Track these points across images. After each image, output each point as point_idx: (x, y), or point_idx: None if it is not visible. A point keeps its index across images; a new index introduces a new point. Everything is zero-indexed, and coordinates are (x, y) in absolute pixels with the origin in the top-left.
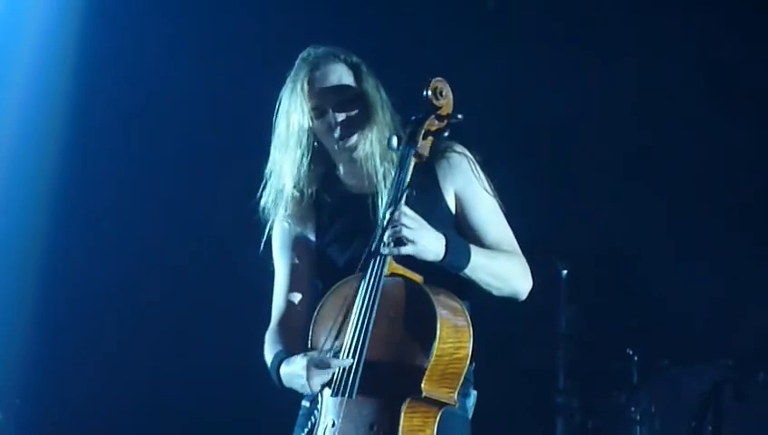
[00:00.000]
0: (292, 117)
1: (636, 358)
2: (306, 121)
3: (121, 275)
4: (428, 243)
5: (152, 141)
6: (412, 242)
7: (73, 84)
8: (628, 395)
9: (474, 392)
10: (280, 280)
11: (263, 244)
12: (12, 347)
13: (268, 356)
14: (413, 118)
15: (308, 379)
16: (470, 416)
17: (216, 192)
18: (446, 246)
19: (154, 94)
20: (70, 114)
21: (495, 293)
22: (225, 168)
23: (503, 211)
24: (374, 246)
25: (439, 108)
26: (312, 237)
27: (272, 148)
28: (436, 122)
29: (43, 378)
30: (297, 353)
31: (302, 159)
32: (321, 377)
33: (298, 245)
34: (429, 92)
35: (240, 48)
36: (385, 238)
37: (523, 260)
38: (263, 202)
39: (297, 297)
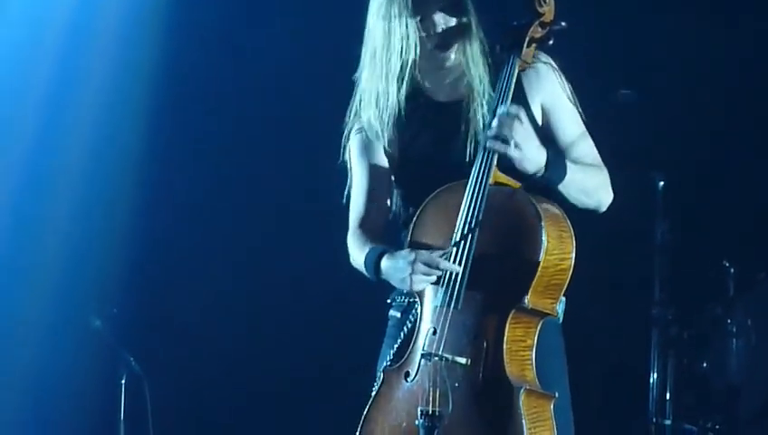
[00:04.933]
0: (395, 27)
1: (732, 270)
2: (411, 32)
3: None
4: (533, 152)
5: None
6: (518, 147)
7: (161, 62)
8: (724, 308)
9: (563, 299)
10: (360, 184)
11: (342, 153)
12: (110, 256)
13: (359, 252)
14: (515, 23)
15: (412, 273)
16: (561, 321)
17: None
18: (547, 159)
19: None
20: (155, 93)
21: (580, 205)
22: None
23: (583, 120)
24: (483, 140)
25: (542, 15)
26: (397, 147)
27: (366, 57)
28: (540, 30)
29: (140, 287)
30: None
31: (399, 72)
32: (425, 276)
33: (380, 153)
34: None
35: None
36: (492, 133)
37: (606, 172)
38: (351, 111)
39: (378, 201)
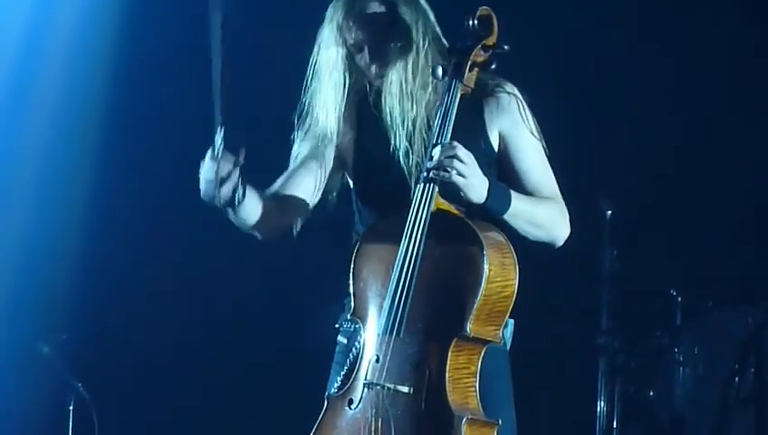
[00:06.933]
0: (330, 54)
1: (679, 299)
2: (341, 59)
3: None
4: (476, 181)
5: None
6: (462, 175)
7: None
8: (671, 336)
9: (511, 321)
10: (294, 164)
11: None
12: (60, 282)
13: None
14: (458, 46)
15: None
16: (509, 347)
17: None
18: (488, 189)
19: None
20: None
21: (532, 238)
22: None
23: (546, 154)
24: (423, 172)
25: (485, 38)
26: (353, 146)
27: (310, 78)
28: (482, 53)
29: (89, 313)
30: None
31: (342, 90)
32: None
33: (326, 152)
34: (475, 22)
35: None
36: (434, 162)
37: (563, 207)
38: (300, 128)
39: (299, 188)
